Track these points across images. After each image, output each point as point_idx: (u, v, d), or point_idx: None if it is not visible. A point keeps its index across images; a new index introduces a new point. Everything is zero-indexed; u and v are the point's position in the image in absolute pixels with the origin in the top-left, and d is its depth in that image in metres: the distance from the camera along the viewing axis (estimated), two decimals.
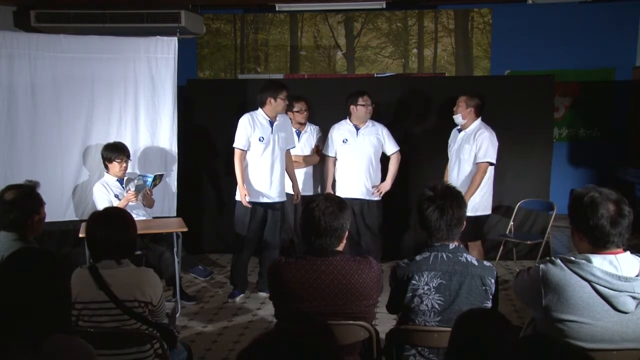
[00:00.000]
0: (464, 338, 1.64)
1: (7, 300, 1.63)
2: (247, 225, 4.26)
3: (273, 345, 1.06)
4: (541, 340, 1.32)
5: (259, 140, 4.20)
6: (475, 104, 4.35)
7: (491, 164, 4.30)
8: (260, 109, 4.27)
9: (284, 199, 4.41)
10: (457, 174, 4.38)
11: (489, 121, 5.19)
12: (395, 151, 4.65)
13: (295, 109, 4.77)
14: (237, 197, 4.26)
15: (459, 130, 4.46)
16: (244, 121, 4.22)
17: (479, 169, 4.27)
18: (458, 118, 4.41)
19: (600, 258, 1.89)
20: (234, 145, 4.23)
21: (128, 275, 2.29)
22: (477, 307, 2.09)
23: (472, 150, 4.30)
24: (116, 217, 2.39)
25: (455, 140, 4.48)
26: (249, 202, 4.20)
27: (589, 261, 1.89)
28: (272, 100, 4.19)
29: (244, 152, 4.21)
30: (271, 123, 4.25)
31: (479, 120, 4.40)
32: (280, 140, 4.28)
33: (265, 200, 4.28)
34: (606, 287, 1.84)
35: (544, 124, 5.30)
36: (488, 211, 4.47)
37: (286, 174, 4.43)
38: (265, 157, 4.23)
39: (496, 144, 4.32)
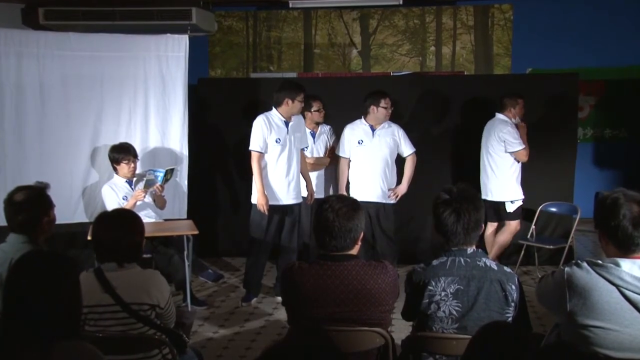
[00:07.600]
0: (481, 354, 1.60)
1: (16, 305, 1.61)
2: (264, 228, 4.18)
3: (285, 355, 1.02)
4: (564, 349, 1.30)
5: (276, 141, 4.13)
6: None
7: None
8: (275, 109, 4.18)
9: (301, 200, 4.35)
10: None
11: None
12: (411, 153, 4.58)
13: (314, 109, 4.68)
14: (253, 200, 4.17)
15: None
16: (260, 122, 4.13)
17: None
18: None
19: (630, 262, 1.84)
20: (251, 148, 4.14)
21: (134, 278, 2.26)
22: (497, 321, 2.01)
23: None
24: (123, 219, 2.36)
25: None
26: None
27: (618, 265, 1.84)
28: (290, 102, 4.12)
29: (261, 154, 4.12)
30: (286, 124, 4.18)
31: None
32: (295, 140, 4.22)
33: (282, 202, 4.20)
34: (635, 293, 1.80)
35: (568, 124, 5.21)
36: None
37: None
38: (282, 159, 4.16)
39: None
